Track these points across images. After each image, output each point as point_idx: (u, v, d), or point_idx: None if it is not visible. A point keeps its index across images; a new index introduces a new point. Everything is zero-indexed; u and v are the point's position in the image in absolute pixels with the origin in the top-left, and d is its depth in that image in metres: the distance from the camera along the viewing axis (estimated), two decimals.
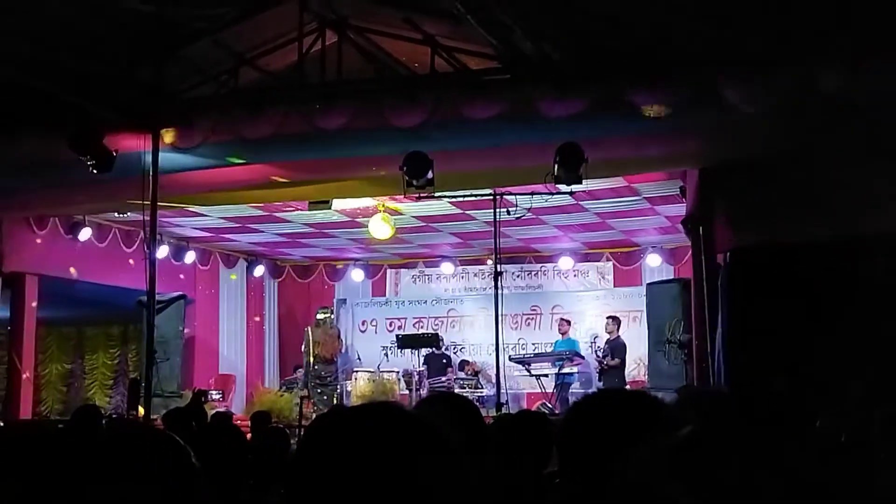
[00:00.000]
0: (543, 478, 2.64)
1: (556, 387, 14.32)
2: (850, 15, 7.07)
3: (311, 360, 15.08)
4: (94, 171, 8.94)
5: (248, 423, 8.99)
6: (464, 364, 16.09)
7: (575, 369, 14.65)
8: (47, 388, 18.70)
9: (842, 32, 7.27)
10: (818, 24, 7.24)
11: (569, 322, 15.60)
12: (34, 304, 13.00)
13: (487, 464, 2.43)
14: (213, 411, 10.97)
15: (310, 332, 15.42)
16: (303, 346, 15.53)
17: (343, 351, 16.88)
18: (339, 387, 15.17)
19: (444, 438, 1.36)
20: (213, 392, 14.86)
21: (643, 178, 11.52)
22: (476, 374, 15.70)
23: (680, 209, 11.38)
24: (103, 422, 7.54)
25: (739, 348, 8.25)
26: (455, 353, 16.71)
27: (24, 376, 12.60)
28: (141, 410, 9.55)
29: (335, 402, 14.35)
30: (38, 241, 12.87)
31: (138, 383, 9.95)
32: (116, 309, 15.51)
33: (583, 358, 15.05)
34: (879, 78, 7.34)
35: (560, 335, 15.49)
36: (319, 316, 15.67)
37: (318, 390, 14.48)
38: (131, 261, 13.54)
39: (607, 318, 14.86)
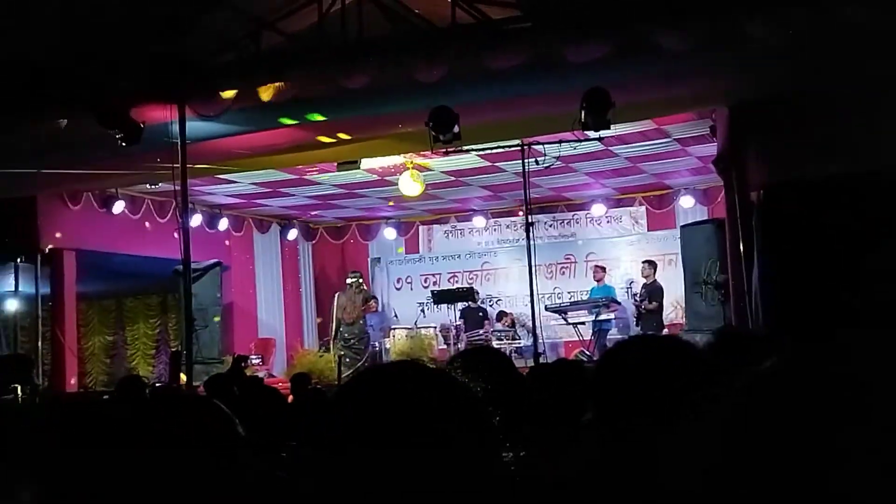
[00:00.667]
0: (580, 426, 2.65)
1: (593, 334, 14.35)
2: None
3: (335, 324, 15.26)
4: (123, 144, 9.00)
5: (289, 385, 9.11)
6: (502, 315, 16.13)
7: (612, 316, 14.66)
8: (91, 361, 19.00)
9: None
10: None
11: (604, 269, 15.57)
12: (73, 278, 13.20)
13: (520, 416, 2.44)
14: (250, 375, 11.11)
15: (336, 298, 15.60)
16: (331, 311, 15.71)
17: (379, 309, 17.00)
18: (369, 347, 15.27)
19: (465, 392, 1.38)
20: (253, 357, 15.06)
21: (672, 120, 11.42)
22: (514, 324, 15.75)
23: (711, 149, 11.27)
24: (147, 391, 7.66)
25: (775, 286, 8.20)
26: (491, 305, 16.76)
27: (67, 350, 12.83)
28: (183, 378, 9.68)
29: (361, 362, 14.47)
30: (74, 216, 13.03)
31: (179, 354, 10.07)
32: (154, 279, 15.71)
33: (619, 304, 15.05)
34: None
35: (596, 282, 15.48)
36: (348, 280, 15.80)
37: (342, 353, 14.60)
38: (175, 234, 13.69)
39: (643, 262, 14.81)
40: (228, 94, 9.11)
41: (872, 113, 7.86)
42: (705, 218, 14.34)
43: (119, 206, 13.42)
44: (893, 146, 7.72)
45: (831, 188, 8.04)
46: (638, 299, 14.42)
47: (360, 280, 15.95)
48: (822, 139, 8.17)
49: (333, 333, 15.31)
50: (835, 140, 8.09)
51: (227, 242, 16.27)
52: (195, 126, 9.10)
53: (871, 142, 7.87)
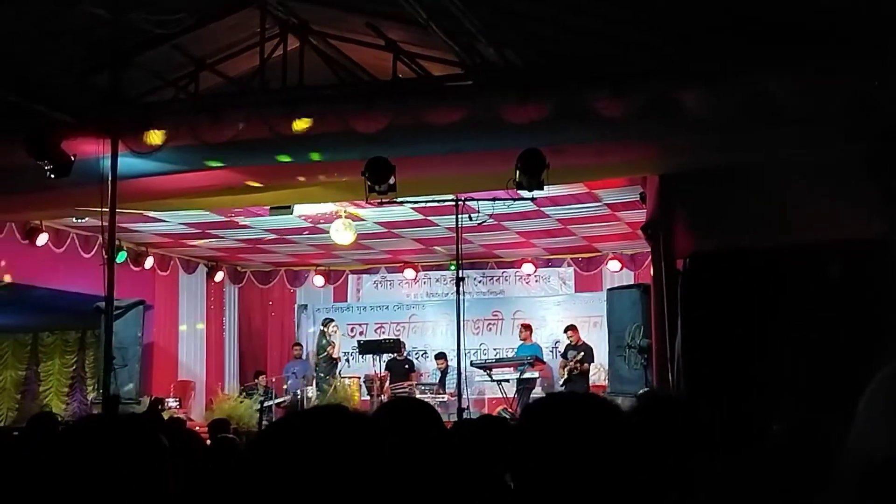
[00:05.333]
0: (503, 482, 2.66)
1: (517, 391, 14.36)
2: (803, 28, 7.17)
3: None
4: (52, 176, 8.84)
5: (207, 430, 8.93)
6: (440, 356, 15.93)
7: (536, 374, 14.69)
8: (1, 396, 18.43)
9: (795, 44, 7.37)
10: (771, 36, 7.34)
11: (529, 328, 15.65)
12: None
13: (446, 467, 2.43)
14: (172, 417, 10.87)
15: None
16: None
17: (304, 357, 16.84)
18: (298, 393, 15.11)
19: (389, 437, 1.38)
20: (170, 399, 14.76)
21: (604, 185, 11.60)
22: (447, 370, 15.58)
23: (640, 215, 11.47)
24: (60, 429, 7.43)
25: (697, 353, 8.34)
26: (417, 358, 16.70)
27: None
28: None
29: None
30: None
31: (117, 398, 9.81)
32: (74, 315, 15.34)
33: (544, 363, 15.12)
34: (829, 88, 7.46)
35: (521, 340, 15.53)
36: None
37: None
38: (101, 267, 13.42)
39: (565, 329, 14.87)
40: (157, 135, 9.01)
41: (795, 190, 8.13)
42: (632, 282, 14.55)
43: (43, 239, 13.13)
44: (817, 221, 7.96)
45: (756, 260, 8.25)
46: (571, 359, 14.37)
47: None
48: (747, 212, 8.39)
49: None
50: (760, 214, 8.32)
51: (151, 281, 15.99)
52: (127, 162, 8.98)
53: (796, 215, 8.11)
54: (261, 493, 1.31)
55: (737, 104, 7.69)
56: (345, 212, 12.90)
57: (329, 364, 15.82)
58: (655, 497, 1.93)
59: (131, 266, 14.87)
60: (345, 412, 1.43)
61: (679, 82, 7.99)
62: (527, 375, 14.45)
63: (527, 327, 15.63)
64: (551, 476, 1.78)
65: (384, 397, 14.50)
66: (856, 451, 1.80)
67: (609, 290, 13.71)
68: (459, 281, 10.28)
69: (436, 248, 15.64)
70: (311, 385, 15.36)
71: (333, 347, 15.83)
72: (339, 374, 15.88)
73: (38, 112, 8.96)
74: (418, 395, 14.46)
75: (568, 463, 1.78)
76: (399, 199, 9.78)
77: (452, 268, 15.08)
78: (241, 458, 1.37)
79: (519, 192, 8.96)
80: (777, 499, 2.44)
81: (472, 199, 10.49)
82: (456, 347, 10.30)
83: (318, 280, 17.87)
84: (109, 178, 8.74)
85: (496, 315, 17.03)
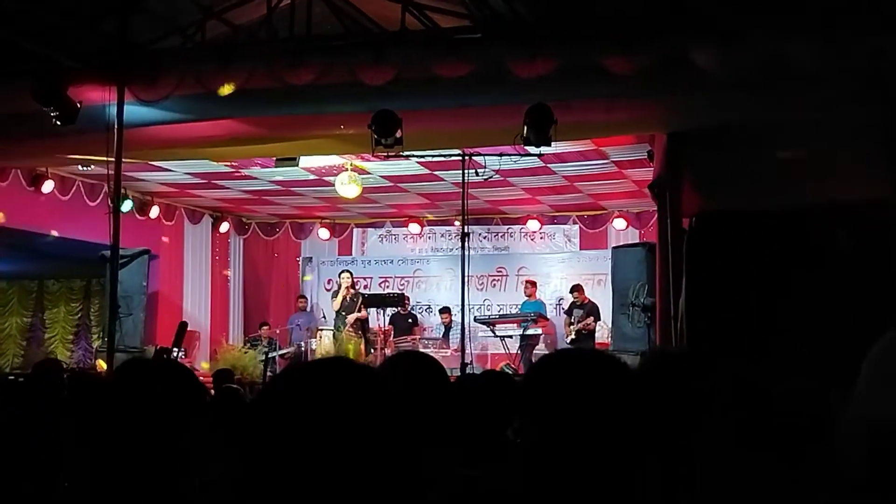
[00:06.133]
0: (505, 437, 2.66)
1: (520, 347, 14.41)
2: None
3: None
4: (58, 123, 8.80)
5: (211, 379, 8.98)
6: (445, 310, 15.95)
7: (539, 331, 14.73)
8: (7, 342, 18.53)
9: (812, 5, 7.28)
10: None
11: (534, 284, 15.66)
12: None
13: (449, 420, 2.44)
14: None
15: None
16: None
17: (308, 309, 16.88)
18: (302, 344, 15.17)
19: (390, 389, 1.38)
20: (175, 349, 14.79)
21: (612, 142, 11.55)
22: (451, 324, 15.62)
23: (647, 173, 11.43)
24: (65, 376, 7.48)
25: (701, 313, 8.34)
26: (420, 313, 16.74)
27: None
28: (103, 364, 9.49)
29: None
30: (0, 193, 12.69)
31: (185, 324, 9.78)
32: (79, 263, 15.37)
33: (548, 320, 15.15)
34: (845, 51, 7.38)
35: (526, 297, 15.55)
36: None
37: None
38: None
39: (571, 288, 14.85)
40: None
41: (803, 152, 8.08)
42: (637, 241, 14.52)
43: (48, 186, 13.12)
44: (824, 182, 7.92)
45: (761, 221, 8.22)
46: (577, 319, 14.35)
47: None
48: (755, 173, 8.35)
49: None
50: (768, 173, 8.27)
51: (157, 230, 16.00)
52: (133, 110, 8.94)
53: (804, 176, 8.07)
54: (265, 449, 1.31)
55: (749, 63, 7.61)
56: (350, 165, 12.85)
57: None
58: (657, 457, 1.93)
59: (136, 215, 14.86)
60: (350, 364, 1.42)
61: (690, 40, 7.90)
62: (530, 332, 14.48)
63: (532, 283, 15.65)
64: (555, 432, 1.78)
65: (388, 351, 14.55)
66: (860, 415, 1.79)
67: (614, 248, 13.69)
68: (464, 236, 10.27)
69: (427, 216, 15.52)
70: (315, 337, 15.38)
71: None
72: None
73: (44, 57, 8.90)
74: (421, 350, 14.52)
75: (573, 419, 1.77)
76: (405, 153, 9.73)
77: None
78: (248, 411, 1.37)
79: (526, 147, 8.93)
80: (774, 463, 2.44)
81: (479, 154, 10.45)
82: (460, 303, 10.32)
83: (324, 233, 17.89)
84: (115, 126, 8.70)
85: (500, 271, 17.04)
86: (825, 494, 1.96)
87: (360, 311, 14.94)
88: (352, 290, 15.14)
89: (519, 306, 15.62)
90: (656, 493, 1.85)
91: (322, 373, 1.37)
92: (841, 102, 7.71)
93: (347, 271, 15.49)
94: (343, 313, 14.96)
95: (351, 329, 14.75)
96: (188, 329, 16.35)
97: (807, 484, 2.16)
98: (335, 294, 15.45)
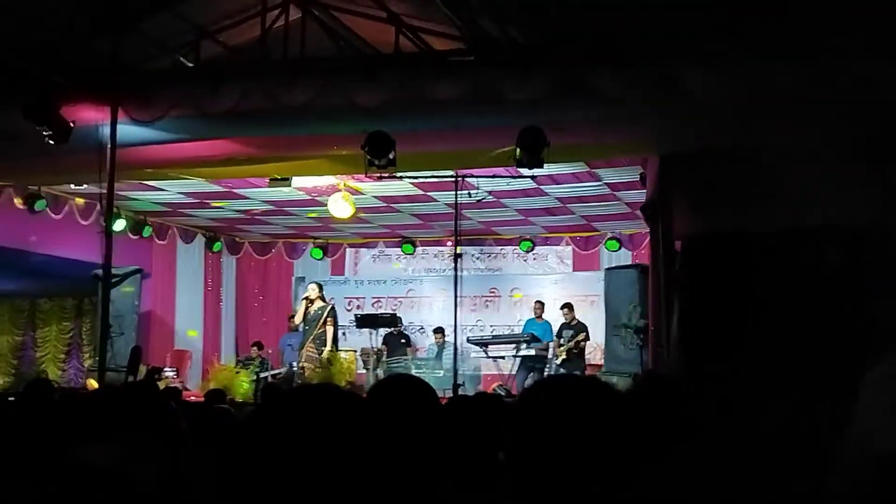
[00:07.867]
0: (496, 461, 2.66)
1: (519, 369, 14.29)
2: (808, 13, 7.13)
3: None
4: (51, 143, 8.80)
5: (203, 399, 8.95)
6: (438, 330, 15.81)
7: (533, 352, 14.65)
8: None
9: (800, 29, 7.34)
10: (777, 20, 7.31)
11: (543, 305, 15.05)
12: None
13: (439, 445, 2.43)
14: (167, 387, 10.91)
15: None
16: None
17: (299, 329, 16.80)
18: (294, 364, 15.05)
19: (374, 418, 1.38)
20: (167, 369, 14.78)
21: (604, 164, 11.59)
22: (444, 344, 15.51)
23: (640, 195, 11.46)
24: (56, 396, 7.44)
25: (693, 335, 8.34)
26: (413, 333, 16.71)
27: None
28: (94, 383, 9.46)
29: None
30: None
31: (139, 349, 9.72)
32: (71, 281, 15.32)
33: (540, 341, 15.05)
34: (834, 74, 7.43)
35: (536, 318, 14.90)
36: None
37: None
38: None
39: (562, 307, 14.56)
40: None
41: (797, 170, 8.10)
42: (630, 263, 14.53)
43: (41, 205, 13.10)
44: (816, 204, 7.95)
45: (754, 243, 8.24)
46: (566, 340, 14.10)
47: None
48: (747, 196, 8.37)
49: None
50: (759, 198, 8.29)
51: (149, 250, 15.97)
52: (126, 130, 8.94)
53: (796, 198, 8.09)
54: (254, 479, 1.31)
55: (740, 86, 7.65)
56: (344, 185, 12.87)
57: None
58: (644, 478, 1.93)
59: (129, 235, 14.84)
60: (337, 393, 1.42)
61: (682, 63, 7.95)
62: (522, 353, 14.39)
63: (541, 305, 15.04)
64: (545, 456, 1.78)
65: (380, 371, 14.51)
66: (862, 442, 1.73)
67: (607, 269, 13.71)
68: (457, 257, 10.28)
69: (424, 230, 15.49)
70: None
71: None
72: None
73: (37, 76, 8.91)
74: (414, 370, 14.48)
75: (562, 444, 1.77)
76: (399, 174, 9.75)
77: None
78: (236, 438, 1.37)
79: (519, 169, 8.95)
80: (763, 485, 2.44)
81: (472, 176, 10.47)
82: (453, 323, 10.31)
83: (317, 253, 17.88)
84: (108, 146, 8.70)
85: (493, 292, 17.03)
86: None
87: (325, 323, 13.78)
88: (320, 302, 13.96)
89: (523, 325, 15.18)
90: None
91: (305, 404, 1.38)
92: (831, 125, 7.76)
93: (315, 283, 14.51)
94: (306, 328, 13.95)
95: (311, 346, 13.71)
96: (180, 349, 16.45)
97: None
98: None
